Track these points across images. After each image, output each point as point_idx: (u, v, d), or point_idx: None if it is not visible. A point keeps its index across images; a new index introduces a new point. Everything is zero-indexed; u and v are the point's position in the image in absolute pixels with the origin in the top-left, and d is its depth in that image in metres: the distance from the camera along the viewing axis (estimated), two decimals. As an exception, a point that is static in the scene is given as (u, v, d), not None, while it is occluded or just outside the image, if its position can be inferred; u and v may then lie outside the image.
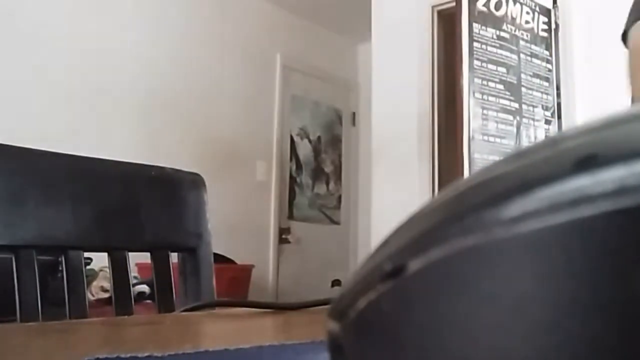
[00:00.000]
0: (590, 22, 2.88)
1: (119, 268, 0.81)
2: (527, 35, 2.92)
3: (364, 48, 4.45)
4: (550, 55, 3.01)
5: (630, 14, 1.25)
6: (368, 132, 3.56)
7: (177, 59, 3.56)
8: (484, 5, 2.70)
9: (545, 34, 3.00)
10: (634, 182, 0.11)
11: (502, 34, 2.80)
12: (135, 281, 2.19)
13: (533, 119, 2.90)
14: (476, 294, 0.13)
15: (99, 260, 2.15)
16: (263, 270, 3.96)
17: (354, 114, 4.93)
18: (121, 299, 0.80)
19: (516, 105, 2.84)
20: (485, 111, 2.72)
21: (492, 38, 2.76)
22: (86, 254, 0.80)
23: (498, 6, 2.77)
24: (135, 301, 0.83)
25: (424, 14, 3.20)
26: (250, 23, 4.05)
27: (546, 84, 2.98)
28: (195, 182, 0.93)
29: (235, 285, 3.12)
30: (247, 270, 3.47)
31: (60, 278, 0.76)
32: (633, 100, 1.16)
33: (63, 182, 0.78)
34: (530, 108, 2.89)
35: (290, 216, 4.34)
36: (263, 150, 4.12)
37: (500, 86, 2.79)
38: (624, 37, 1.24)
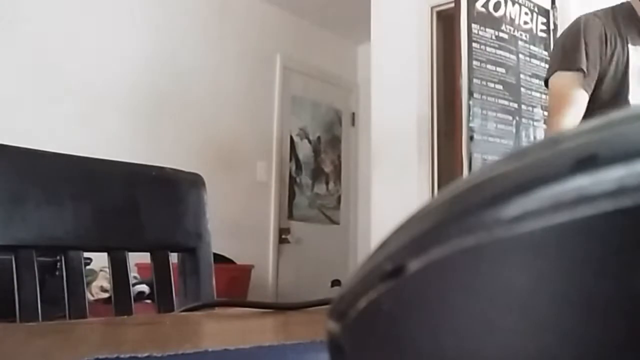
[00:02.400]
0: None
1: (118, 268, 0.81)
2: (525, 36, 2.92)
3: (364, 49, 4.45)
4: (549, 56, 3.01)
5: (550, 66, 1.62)
6: (368, 133, 3.56)
7: (177, 60, 3.56)
8: (482, 6, 2.70)
9: (544, 35, 3.00)
10: (634, 182, 0.11)
11: (501, 34, 2.80)
12: (134, 281, 2.19)
13: (532, 119, 2.90)
14: (476, 294, 0.13)
15: (99, 260, 2.15)
16: (263, 270, 3.96)
17: (353, 114, 4.93)
18: (121, 299, 0.80)
19: (515, 105, 2.84)
20: (484, 111, 2.72)
21: (491, 39, 2.76)
22: (86, 254, 0.80)
23: (497, 7, 2.77)
24: (134, 301, 0.83)
25: (423, 15, 3.20)
26: (250, 24, 4.05)
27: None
28: (195, 182, 0.93)
29: (234, 286, 3.12)
30: (246, 270, 3.47)
31: (58, 278, 0.76)
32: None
33: (63, 182, 0.78)
34: (530, 108, 2.90)
35: (290, 216, 4.34)
36: (263, 151, 4.12)
37: (499, 86, 2.79)
38: (546, 83, 1.59)
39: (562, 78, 1.51)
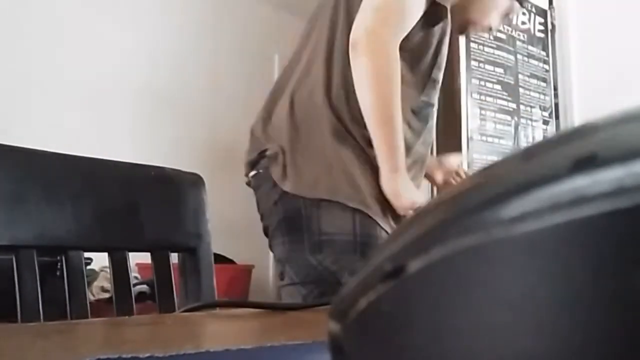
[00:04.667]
0: (586, 22, 2.88)
1: (119, 268, 0.81)
2: (523, 36, 2.92)
3: (363, 48, 4.43)
4: (547, 56, 3.01)
5: None
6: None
7: (175, 60, 3.55)
8: (482, 5, 2.70)
9: (541, 35, 3.00)
10: (632, 183, 0.11)
11: (499, 34, 2.79)
12: (135, 281, 2.18)
13: (531, 119, 2.90)
14: (476, 294, 0.13)
15: (99, 260, 2.15)
16: (263, 271, 3.95)
17: (352, 114, 4.92)
18: (122, 299, 0.80)
19: (514, 105, 2.84)
20: (483, 112, 2.72)
21: (489, 39, 2.75)
22: (86, 254, 0.80)
23: (496, 6, 2.76)
24: (135, 301, 0.83)
25: (422, 15, 3.19)
26: (248, 24, 4.05)
27: (543, 84, 2.98)
28: (194, 182, 0.93)
29: (235, 286, 3.12)
30: (247, 270, 3.46)
31: (58, 278, 0.76)
32: None
33: (63, 182, 0.78)
34: (528, 108, 2.90)
35: (289, 216, 4.32)
36: (262, 151, 4.10)
37: (498, 87, 2.79)
38: None
39: None
